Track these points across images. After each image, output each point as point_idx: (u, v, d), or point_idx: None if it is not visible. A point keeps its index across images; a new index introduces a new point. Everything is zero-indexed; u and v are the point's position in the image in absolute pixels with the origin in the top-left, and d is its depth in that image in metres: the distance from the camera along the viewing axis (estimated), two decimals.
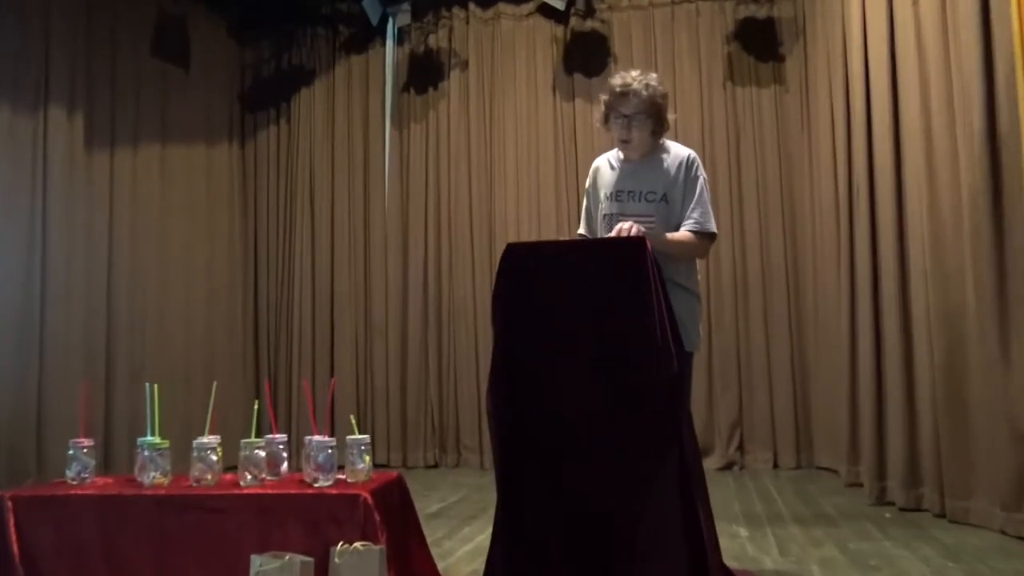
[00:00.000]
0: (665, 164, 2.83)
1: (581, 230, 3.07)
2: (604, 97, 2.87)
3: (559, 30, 6.06)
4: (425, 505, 4.28)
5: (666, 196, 2.78)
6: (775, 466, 5.41)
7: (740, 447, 5.50)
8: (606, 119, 2.88)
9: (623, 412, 2.21)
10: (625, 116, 2.77)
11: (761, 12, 5.77)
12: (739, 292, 5.62)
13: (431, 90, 6.22)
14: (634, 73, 2.80)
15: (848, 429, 4.60)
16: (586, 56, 5.97)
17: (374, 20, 6.02)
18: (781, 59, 5.73)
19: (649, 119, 2.78)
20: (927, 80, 3.70)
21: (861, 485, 4.36)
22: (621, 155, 2.93)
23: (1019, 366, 3.15)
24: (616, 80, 2.81)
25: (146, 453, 2.40)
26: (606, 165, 2.96)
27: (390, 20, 6.20)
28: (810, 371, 5.43)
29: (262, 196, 6.42)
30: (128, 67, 5.54)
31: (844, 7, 4.60)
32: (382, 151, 6.25)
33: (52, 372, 4.81)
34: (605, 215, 2.85)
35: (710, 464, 5.33)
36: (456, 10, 6.22)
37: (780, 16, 5.74)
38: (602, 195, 2.88)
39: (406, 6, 6.03)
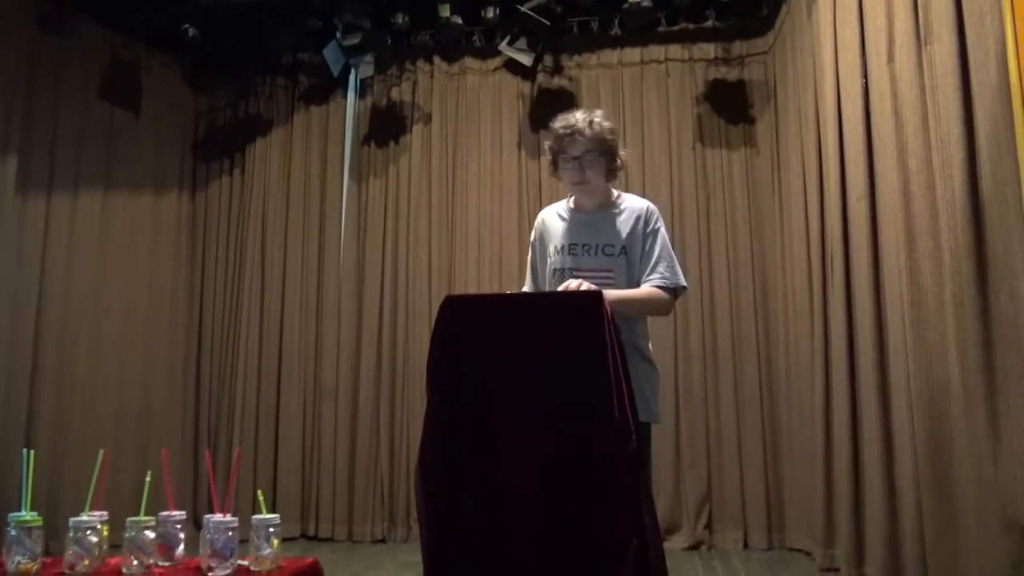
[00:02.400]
0: (623, 216, 2.62)
1: (527, 287, 2.82)
2: (548, 143, 2.66)
3: (526, 86, 5.91)
4: None
5: (625, 249, 2.56)
6: (745, 546, 5.08)
7: (708, 525, 5.17)
8: (555, 166, 2.66)
9: (574, 497, 1.91)
10: (575, 158, 2.55)
11: (731, 74, 5.66)
12: (708, 361, 5.37)
13: (392, 144, 6.01)
14: (577, 113, 2.60)
15: (823, 509, 4.31)
16: (553, 113, 5.70)
17: (335, 71, 5.84)
18: (751, 121, 5.61)
19: (601, 157, 2.57)
20: (904, 140, 3.52)
21: (837, 570, 4.05)
22: (572, 205, 2.71)
23: (1009, 444, 2.89)
24: (558, 123, 2.60)
25: (13, 532, 2.03)
26: (554, 216, 2.73)
27: (352, 72, 6.03)
28: (782, 445, 5.15)
29: (210, 249, 6.10)
30: (73, 109, 5.26)
31: (816, 67, 4.48)
32: (339, 205, 5.99)
33: None
34: (556, 270, 2.61)
35: (676, 543, 5.01)
36: (421, 63, 6.05)
37: (751, 78, 5.63)
38: (551, 248, 2.65)
39: (369, 58, 5.87)
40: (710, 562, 4.65)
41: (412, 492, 5.38)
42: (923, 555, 3.32)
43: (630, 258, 2.56)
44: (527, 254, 5.59)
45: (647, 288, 2.52)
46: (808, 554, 4.63)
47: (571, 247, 2.60)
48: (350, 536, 5.48)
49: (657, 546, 2.05)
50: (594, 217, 2.63)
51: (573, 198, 2.73)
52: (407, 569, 4.38)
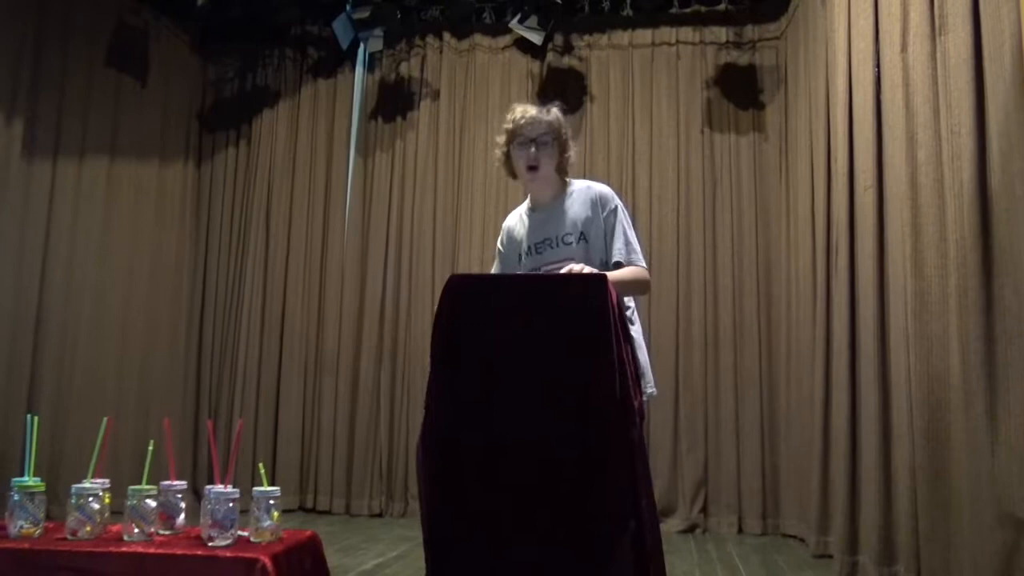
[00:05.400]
0: (576, 202, 2.64)
1: None
2: (505, 128, 2.67)
3: (535, 65, 5.87)
4: (360, 561, 3.93)
5: (584, 235, 2.58)
6: (740, 531, 5.11)
7: (704, 509, 5.20)
8: (506, 156, 2.68)
9: (574, 478, 1.92)
10: (531, 140, 2.58)
11: (743, 58, 5.62)
12: (709, 346, 5.37)
13: (400, 119, 5.98)
14: (531, 105, 2.67)
15: (818, 496, 4.33)
16: (562, 93, 5.74)
17: (344, 44, 5.80)
18: (761, 107, 5.57)
19: (555, 143, 2.61)
20: (914, 130, 3.50)
21: (830, 557, 4.08)
22: (529, 205, 2.75)
23: (1007, 438, 2.89)
24: (515, 112, 2.65)
25: (16, 497, 2.05)
26: (516, 221, 2.77)
27: (361, 45, 5.98)
28: (780, 433, 5.16)
29: (215, 220, 6.09)
30: (79, 75, 5.24)
31: (828, 55, 4.44)
32: (344, 179, 5.97)
33: None
34: (528, 271, 2.65)
35: (672, 526, 5.04)
36: (430, 39, 6.01)
37: (762, 63, 5.59)
38: (521, 252, 2.69)
39: (378, 32, 5.83)
40: (704, 545, 4.68)
41: (411, 467, 5.44)
42: (917, 545, 3.34)
43: (591, 243, 2.58)
44: None
45: (634, 268, 2.55)
46: (802, 540, 4.66)
47: (536, 246, 2.64)
48: (348, 509, 5.52)
49: (653, 528, 2.07)
50: (549, 212, 2.66)
51: (529, 198, 2.77)
52: (403, 543, 4.41)
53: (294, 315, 5.86)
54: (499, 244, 2.83)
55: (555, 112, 2.64)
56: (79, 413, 4.98)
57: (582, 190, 2.66)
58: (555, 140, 2.62)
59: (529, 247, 2.65)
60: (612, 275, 2.44)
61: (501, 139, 2.69)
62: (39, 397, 4.86)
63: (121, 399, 5.29)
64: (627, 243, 2.57)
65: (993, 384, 2.97)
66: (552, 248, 2.60)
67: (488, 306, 2.07)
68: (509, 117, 2.65)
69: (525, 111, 2.61)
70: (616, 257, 2.55)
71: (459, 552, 1.98)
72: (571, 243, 2.58)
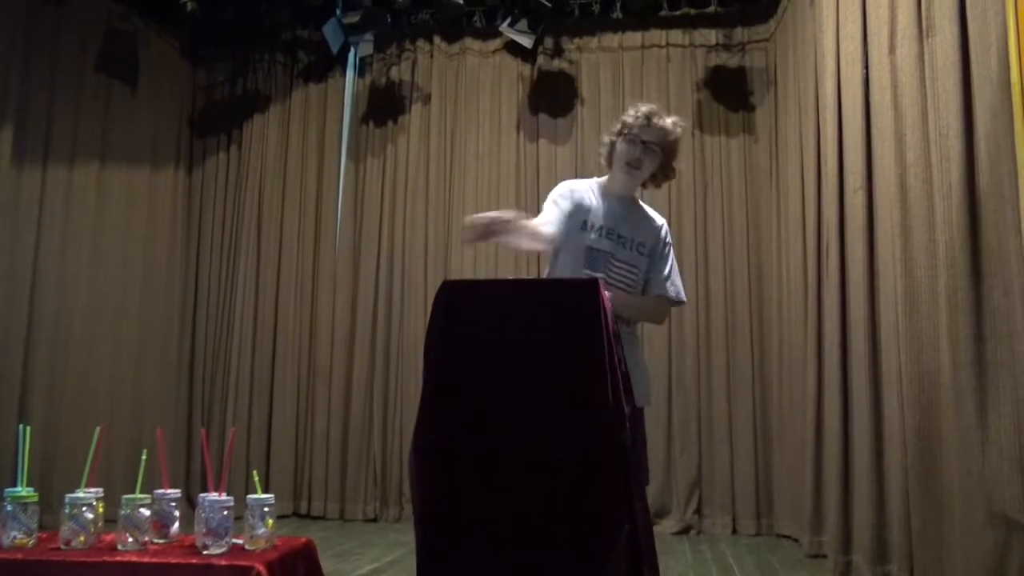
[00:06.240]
0: (650, 221, 2.70)
1: (551, 219, 2.59)
2: (623, 120, 2.62)
3: (526, 68, 5.89)
4: (355, 566, 3.93)
5: (650, 253, 2.65)
6: (734, 532, 5.13)
7: (698, 510, 5.21)
8: (612, 145, 2.64)
9: (567, 482, 1.92)
10: (643, 142, 2.57)
11: (732, 61, 5.64)
12: (702, 349, 5.39)
13: (391, 124, 5.99)
14: (660, 113, 2.62)
15: (811, 496, 4.35)
16: (552, 96, 5.80)
17: (335, 49, 5.80)
18: (751, 109, 5.60)
19: (661, 156, 2.61)
20: (902, 132, 3.53)
21: (824, 557, 4.10)
22: (604, 184, 2.69)
23: (997, 437, 2.91)
24: (644, 107, 2.60)
25: (8, 507, 2.04)
26: (589, 192, 2.65)
27: (351, 50, 5.98)
28: (773, 433, 5.19)
29: (207, 225, 6.08)
30: (70, 80, 5.23)
31: (817, 57, 4.47)
32: (336, 184, 5.97)
33: None
34: (596, 250, 2.58)
35: (666, 528, 5.05)
36: (421, 43, 6.02)
37: (751, 65, 5.62)
38: (587, 222, 2.59)
39: (368, 36, 5.83)
40: (698, 546, 4.69)
41: (404, 471, 5.44)
42: (909, 544, 3.36)
43: (650, 261, 2.66)
44: None
45: (659, 298, 2.66)
46: (796, 540, 4.67)
47: (609, 232, 2.60)
48: (342, 515, 5.52)
49: (647, 530, 2.08)
50: (628, 211, 2.65)
51: (604, 181, 2.70)
52: (398, 548, 4.41)
53: (287, 320, 5.85)
54: (561, 199, 2.62)
55: (677, 129, 2.61)
56: (72, 422, 4.96)
57: (654, 215, 2.74)
58: (663, 152, 2.60)
59: (603, 227, 2.59)
60: (638, 302, 2.60)
61: (616, 127, 2.64)
62: (31, 406, 4.84)
63: (114, 408, 5.27)
64: (674, 279, 2.68)
65: (983, 383, 2.99)
66: (626, 248, 2.61)
67: (480, 311, 2.07)
68: (631, 111, 2.61)
69: (649, 115, 2.57)
70: (666, 287, 2.66)
71: (453, 555, 1.98)
72: (643, 253, 2.63)
